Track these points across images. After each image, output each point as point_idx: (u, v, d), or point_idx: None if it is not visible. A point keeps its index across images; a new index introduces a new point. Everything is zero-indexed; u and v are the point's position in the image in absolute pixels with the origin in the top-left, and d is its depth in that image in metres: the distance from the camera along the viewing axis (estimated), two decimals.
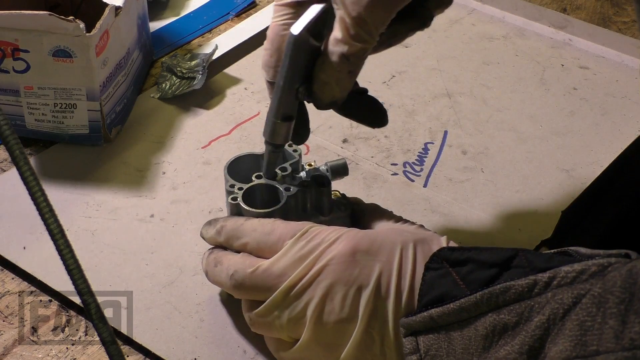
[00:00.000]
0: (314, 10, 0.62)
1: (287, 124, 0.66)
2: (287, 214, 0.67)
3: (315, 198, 0.69)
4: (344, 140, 0.88)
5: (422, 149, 0.88)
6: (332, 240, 0.61)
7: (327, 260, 0.60)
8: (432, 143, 0.89)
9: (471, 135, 0.90)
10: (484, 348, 0.54)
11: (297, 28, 0.61)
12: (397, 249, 0.60)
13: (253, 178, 0.69)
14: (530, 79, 0.98)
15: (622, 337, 0.48)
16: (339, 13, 0.61)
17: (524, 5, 1.07)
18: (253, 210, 0.67)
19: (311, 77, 0.64)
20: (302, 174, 0.70)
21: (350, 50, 0.61)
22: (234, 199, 0.68)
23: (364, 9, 0.60)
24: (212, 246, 0.68)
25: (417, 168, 0.86)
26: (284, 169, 0.69)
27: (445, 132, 0.90)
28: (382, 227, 0.66)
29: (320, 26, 0.62)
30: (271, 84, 0.67)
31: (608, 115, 0.93)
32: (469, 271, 0.57)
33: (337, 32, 0.61)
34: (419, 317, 0.57)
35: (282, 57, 0.64)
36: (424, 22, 0.68)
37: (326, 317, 0.60)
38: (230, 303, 0.70)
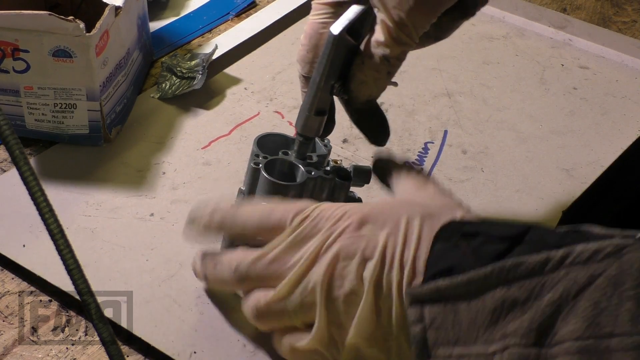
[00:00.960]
0: (354, 11, 0.64)
1: (320, 118, 0.68)
2: (301, 197, 0.67)
3: (333, 190, 0.69)
4: (344, 140, 0.88)
5: (422, 148, 0.88)
6: (338, 217, 0.61)
7: (334, 237, 0.60)
8: (432, 143, 0.89)
9: (471, 134, 0.90)
10: (491, 322, 0.53)
11: (337, 28, 0.63)
12: (402, 221, 0.59)
13: (280, 153, 0.70)
14: (530, 78, 0.98)
15: (638, 321, 0.47)
16: (380, 16, 0.62)
17: (524, 5, 1.08)
18: (270, 178, 0.67)
19: (348, 75, 0.65)
20: (327, 168, 0.70)
21: (392, 53, 0.63)
22: (257, 164, 0.68)
23: (406, 13, 0.61)
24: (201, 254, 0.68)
25: (417, 167, 0.86)
26: (309, 158, 0.70)
27: (445, 132, 0.90)
28: (396, 196, 0.66)
29: (359, 26, 0.64)
30: (305, 78, 0.69)
31: (608, 115, 0.93)
32: (480, 244, 0.56)
33: (379, 35, 0.63)
34: (426, 287, 0.56)
35: (319, 53, 0.66)
36: (465, 12, 0.67)
37: (335, 293, 0.59)
38: (230, 297, 0.70)
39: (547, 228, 0.56)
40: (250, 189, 0.69)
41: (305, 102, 0.67)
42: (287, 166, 0.70)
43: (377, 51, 0.63)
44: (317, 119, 0.68)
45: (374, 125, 0.70)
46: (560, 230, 0.55)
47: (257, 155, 0.69)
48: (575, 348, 0.49)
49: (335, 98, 0.69)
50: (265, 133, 0.72)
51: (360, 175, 0.71)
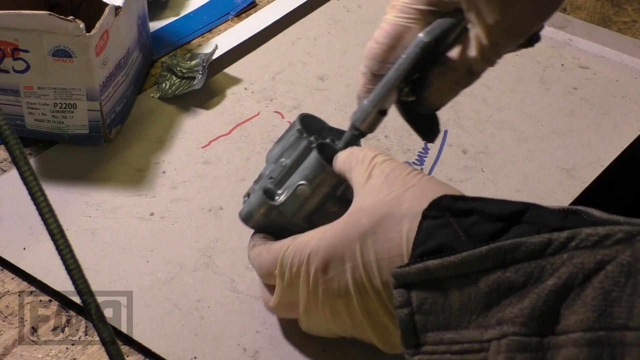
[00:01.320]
0: (447, 22, 0.64)
1: (380, 117, 0.68)
2: (336, 188, 0.68)
3: (346, 190, 0.68)
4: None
5: (422, 148, 0.88)
6: (304, 261, 0.62)
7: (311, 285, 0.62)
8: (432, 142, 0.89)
9: (471, 134, 0.90)
10: (485, 306, 0.50)
11: (429, 35, 0.64)
12: (357, 250, 0.60)
13: (328, 139, 0.71)
14: (531, 78, 0.98)
15: None
16: (474, 31, 0.62)
17: None
18: (323, 162, 0.67)
19: (424, 82, 0.66)
20: None
21: (477, 69, 0.63)
22: (311, 142, 0.69)
23: (500, 34, 0.61)
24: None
25: (418, 167, 0.86)
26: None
27: (446, 132, 0.90)
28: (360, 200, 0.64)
29: (443, 38, 0.64)
30: (374, 76, 0.68)
31: (608, 115, 0.93)
32: (473, 223, 0.52)
33: (472, 51, 0.62)
34: (414, 267, 0.53)
35: (395, 54, 0.66)
36: (528, 42, 0.66)
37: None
38: (230, 300, 0.70)
39: (547, 208, 0.53)
40: (295, 163, 0.69)
41: (373, 99, 0.68)
42: (331, 153, 0.69)
43: (464, 65, 0.63)
44: (378, 116, 0.68)
45: (427, 124, 0.70)
46: (561, 212, 0.52)
47: (302, 133, 0.70)
48: (584, 340, 0.46)
49: None
50: (309, 114, 0.72)
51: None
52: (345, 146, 0.69)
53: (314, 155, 0.67)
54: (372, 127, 0.69)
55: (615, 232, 0.47)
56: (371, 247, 0.58)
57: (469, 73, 0.64)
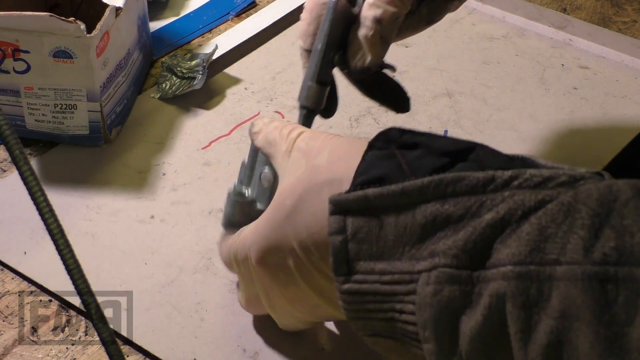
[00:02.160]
0: None
1: (322, 88, 0.68)
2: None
3: None
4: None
5: None
6: (243, 258, 0.62)
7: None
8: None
9: (471, 134, 0.90)
10: (420, 238, 0.49)
11: None
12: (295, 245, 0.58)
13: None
14: (531, 78, 0.98)
15: (592, 251, 0.42)
16: None
17: (524, 5, 1.08)
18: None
19: (347, 43, 0.66)
20: None
21: (383, 15, 0.64)
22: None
23: None
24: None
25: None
26: None
27: (446, 132, 0.90)
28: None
29: None
30: (307, 52, 0.69)
31: (608, 115, 0.93)
32: (418, 156, 0.51)
33: None
34: (352, 195, 0.51)
35: (319, 25, 0.67)
36: None
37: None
38: (230, 302, 0.71)
39: (495, 150, 0.52)
40: (253, 158, 0.67)
41: (307, 73, 0.68)
42: None
43: (370, 13, 0.64)
44: (319, 89, 0.68)
45: (387, 93, 0.69)
46: (510, 155, 0.52)
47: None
48: (513, 273, 0.44)
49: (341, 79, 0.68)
50: None
51: None
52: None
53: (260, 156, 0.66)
54: (317, 102, 0.68)
55: (559, 175, 0.47)
56: (301, 227, 0.56)
57: (376, 21, 0.64)
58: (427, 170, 0.50)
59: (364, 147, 0.54)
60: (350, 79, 0.70)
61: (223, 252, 0.66)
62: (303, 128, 0.62)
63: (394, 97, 0.70)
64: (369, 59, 0.66)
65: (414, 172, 0.50)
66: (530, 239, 0.45)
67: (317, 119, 0.89)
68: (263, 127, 0.64)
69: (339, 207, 0.52)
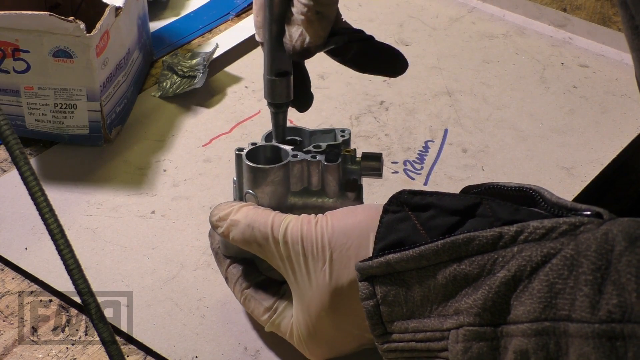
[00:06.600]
0: None
1: (283, 79, 0.66)
2: (287, 182, 0.65)
3: (324, 175, 0.66)
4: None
5: (423, 147, 0.88)
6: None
7: None
8: (433, 141, 0.89)
9: (471, 133, 0.90)
10: (444, 297, 0.53)
11: None
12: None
13: (262, 139, 0.68)
14: (531, 77, 0.98)
15: (598, 308, 0.46)
16: None
17: (524, 4, 1.07)
18: (249, 163, 0.65)
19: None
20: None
21: None
22: (240, 149, 0.66)
23: None
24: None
25: (418, 166, 0.86)
26: (317, 147, 0.67)
27: (446, 131, 0.90)
28: None
29: None
30: (262, 44, 0.66)
31: (608, 114, 0.93)
32: (430, 217, 0.55)
33: None
34: (375, 262, 0.55)
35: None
36: None
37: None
38: (231, 299, 0.71)
39: (499, 201, 0.55)
40: (238, 177, 0.67)
41: (264, 66, 0.65)
42: (271, 151, 0.67)
43: None
44: (280, 81, 0.65)
45: (377, 61, 0.67)
46: (514, 205, 0.54)
47: (241, 149, 0.67)
48: (532, 330, 0.48)
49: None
50: (257, 145, 0.68)
51: (369, 159, 0.66)
52: (275, 129, 0.67)
53: (244, 163, 0.65)
54: (281, 95, 0.66)
55: (560, 225, 0.50)
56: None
57: None
58: (441, 230, 0.54)
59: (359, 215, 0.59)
60: (336, 59, 0.67)
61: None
62: (272, 216, 0.62)
63: (385, 61, 0.68)
64: (307, 38, 0.62)
65: (428, 233, 0.54)
66: (541, 295, 0.48)
67: (317, 118, 0.89)
68: (229, 220, 0.64)
69: (365, 274, 0.56)
